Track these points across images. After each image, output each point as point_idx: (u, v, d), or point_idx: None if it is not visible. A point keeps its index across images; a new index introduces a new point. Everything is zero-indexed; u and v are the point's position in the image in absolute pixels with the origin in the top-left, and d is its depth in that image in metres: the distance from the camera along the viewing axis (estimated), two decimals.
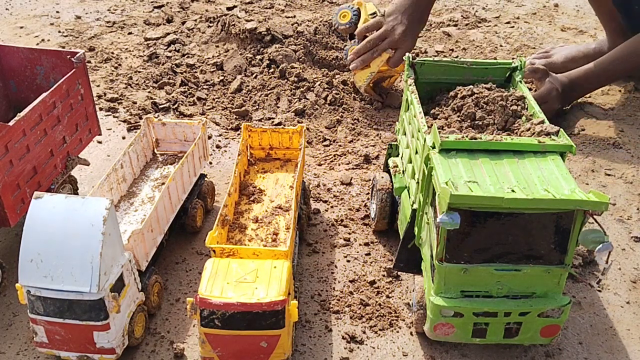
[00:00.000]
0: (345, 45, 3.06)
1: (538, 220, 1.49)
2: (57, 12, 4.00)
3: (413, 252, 1.79)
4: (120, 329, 1.64)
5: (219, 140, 2.72)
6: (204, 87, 3.10)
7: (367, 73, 2.84)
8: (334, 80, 3.03)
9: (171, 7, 4.03)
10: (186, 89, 3.06)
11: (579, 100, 2.97)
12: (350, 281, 1.99)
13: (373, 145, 2.69)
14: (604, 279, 2.01)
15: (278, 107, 2.92)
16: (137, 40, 3.61)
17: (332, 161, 2.60)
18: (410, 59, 2.06)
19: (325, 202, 2.35)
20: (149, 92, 3.06)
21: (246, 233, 1.89)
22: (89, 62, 3.31)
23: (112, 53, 3.44)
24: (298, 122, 2.81)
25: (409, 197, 1.88)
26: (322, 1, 4.21)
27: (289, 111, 2.89)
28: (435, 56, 3.46)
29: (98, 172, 2.46)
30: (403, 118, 2.10)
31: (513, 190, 1.46)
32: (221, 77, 3.15)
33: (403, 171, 2.02)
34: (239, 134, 2.74)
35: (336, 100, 2.92)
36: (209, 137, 2.72)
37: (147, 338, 1.79)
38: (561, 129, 1.70)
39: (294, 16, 3.84)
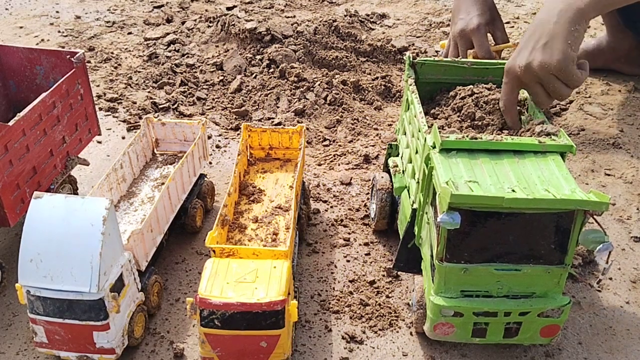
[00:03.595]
0: None
1: (538, 220, 1.49)
2: (57, 12, 4.00)
3: (413, 251, 1.79)
4: (120, 329, 1.64)
5: (219, 140, 2.72)
6: (204, 87, 3.10)
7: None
8: (333, 80, 3.03)
9: (171, 7, 4.03)
10: (186, 89, 3.06)
11: (579, 101, 2.97)
12: (350, 281, 1.99)
13: (373, 145, 2.69)
14: (603, 279, 2.01)
15: (278, 107, 2.92)
16: (137, 40, 3.61)
17: (332, 161, 2.60)
18: (411, 59, 2.06)
19: (325, 202, 2.35)
20: (149, 92, 3.06)
21: (246, 233, 1.89)
22: (89, 62, 3.31)
23: (112, 53, 3.44)
24: (298, 122, 2.81)
25: (409, 197, 1.88)
26: (322, 1, 4.21)
27: (288, 111, 2.89)
28: (435, 56, 3.46)
29: (98, 172, 2.46)
30: (403, 118, 2.09)
31: (513, 190, 1.46)
32: (221, 77, 3.15)
33: (403, 171, 2.02)
34: (238, 134, 2.74)
35: (336, 100, 2.92)
36: (209, 137, 2.72)
37: (147, 338, 1.79)
38: (561, 129, 1.70)
39: (294, 16, 3.84)
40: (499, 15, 2.62)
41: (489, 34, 2.56)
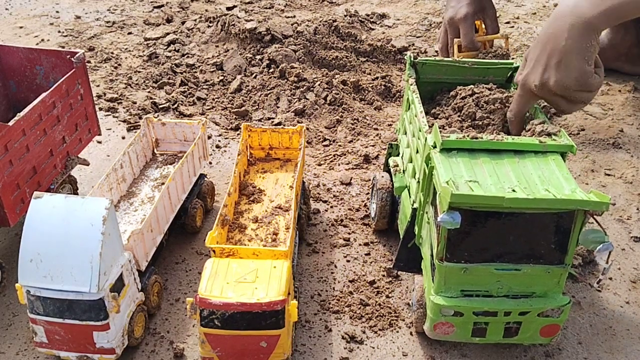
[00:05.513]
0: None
1: (538, 220, 1.49)
2: (57, 12, 4.00)
3: (413, 251, 1.79)
4: (120, 329, 1.64)
5: (219, 140, 2.72)
6: (204, 87, 3.10)
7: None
8: (333, 80, 3.03)
9: (171, 7, 4.03)
10: (186, 89, 3.06)
11: None
12: (350, 281, 1.99)
13: (373, 145, 2.68)
14: (603, 278, 2.01)
15: (278, 107, 2.92)
16: (137, 40, 3.61)
17: (332, 161, 2.59)
18: (412, 59, 2.06)
19: (325, 202, 2.35)
20: (149, 92, 3.06)
21: (246, 233, 1.89)
22: (89, 62, 3.31)
23: (112, 53, 3.44)
24: (298, 122, 2.81)
25: (410, 197, 1.88)
26: (322, 1, 4.21)
27: (288, 111, 2.89)
28: (435, 56, 3.46)
29: (98, 172, 2.46)
30: (404, 117, 2.09)
31: (514, 190, 1.46)
32: (221, 77, 3.15)
33: (403, 170, 2.02)
34: (238, 134, 2.74)
35: (336, 100, 2.92)
36: (209, 137, 2.72)
37: (147, 338, 1.79)
38: (561, 129, 1.70)
39: (294, 16, 3.84)
40: (491, 3, 2.64)
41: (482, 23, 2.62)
